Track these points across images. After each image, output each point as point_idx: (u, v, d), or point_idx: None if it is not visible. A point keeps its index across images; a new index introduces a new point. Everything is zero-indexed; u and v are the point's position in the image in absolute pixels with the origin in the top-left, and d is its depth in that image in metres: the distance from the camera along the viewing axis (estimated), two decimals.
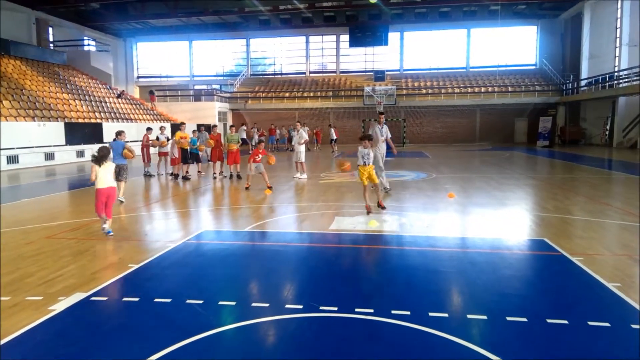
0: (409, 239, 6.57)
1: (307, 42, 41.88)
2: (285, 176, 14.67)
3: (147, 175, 15.10)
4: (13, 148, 18.90)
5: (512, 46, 38.93)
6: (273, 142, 31.88)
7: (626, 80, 26.75)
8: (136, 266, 5.31)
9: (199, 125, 20.80)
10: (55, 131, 21.41)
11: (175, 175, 14.25)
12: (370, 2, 30.85)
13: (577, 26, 33.19)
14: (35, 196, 11.33)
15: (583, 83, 31.97)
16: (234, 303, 4.20)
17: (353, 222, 7.64)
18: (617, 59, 29.56)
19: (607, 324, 3.66)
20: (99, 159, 6.82)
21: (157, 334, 3.55)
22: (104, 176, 6.82)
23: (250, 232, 7.14)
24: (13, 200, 10.73)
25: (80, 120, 24.44)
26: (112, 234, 6.80)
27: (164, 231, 7.41)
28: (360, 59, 41.67)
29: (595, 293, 4.43)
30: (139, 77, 43.75)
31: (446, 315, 3.87)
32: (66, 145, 21.79)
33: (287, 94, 39.28)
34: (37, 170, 18.15)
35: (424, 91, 37.47)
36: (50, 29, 34.13)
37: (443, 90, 37.09)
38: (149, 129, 15.86)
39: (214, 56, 43.36)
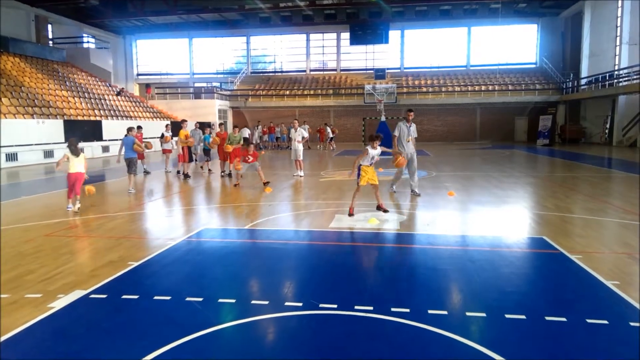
0: (409, 237, 6.57)
1: (308, 39, 41.82)
2: (286, 175, 14.67)
3: (145, 173, 15.07)
4: (12, 145, 18.89)
5: (513, 44, 38.89)
6: (273, 140, 31.88)
7: (626, 78, 26.74)
8: (136, 264, 5.31)
9: (200, 123, 20.73)
10: (54, 129, 21.40)
11: (185, 175, 14.07)
12: (371, 0, 30.79)
13: (578, 25, 33.16)
14: (34, 194, 11.33)
15: (583, 82, 31.96)
16: (233, 300, 4.20)
17: (353, 220, 7.64)
18: (617, 57, 29.55)
19: (606, 322, 3.66)
20: (76, 150, 8.68)
21: (157, 332, 3.55)
22: (76, 164, 8.56)
23: (250, 230, 7.14)
24: (12, 197, 10.72)
25: (79, 118, 24.44)
26: (71, 208, 8.48)
27: (164, 229, 7.41)
28: (360, 57, 41.63)
29: (594, 291, 4.43)
30: (138, 74, 43.70)
31: (445, 312, 3.88)
32: (65, 142, 21.74)
33: (288, 92, 39.25)
34: (36, 168, 18.15)
35: (424, 89, 37.44)
36: (50, 26, 34.10)
37: (443, 89, 37.07)
38: (139, 127, 15.70)
39: (214, 54, 43.31)
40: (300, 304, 4.07)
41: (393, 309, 3.91)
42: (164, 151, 15.57)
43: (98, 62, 35.69)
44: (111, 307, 4.07)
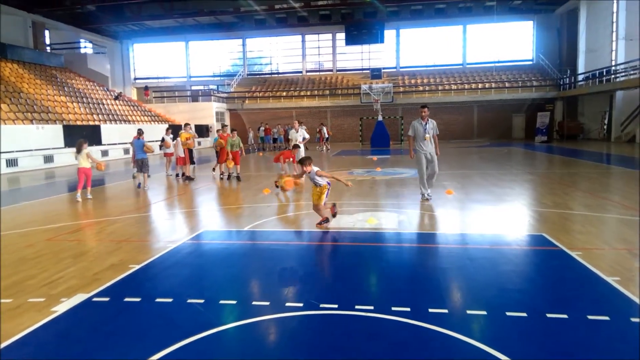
0: (408, 236, 6.59)
1: (303, 40, 41.88)
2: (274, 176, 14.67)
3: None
4: (12, 151, 18.90)
5: (509, 42, 39.01)
6: (269, 141, 31.92)
7: (623, 74, 26.81)
8: (137, 267, 5.33)
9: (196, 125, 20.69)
10: (53, 134, 21.41)
11: (187, 177, 14.05)
12: (365, 0, 30.85)
13: (574, 21, 33.25)
14: (35, 199, 11.34)
15: (580, 78, 32.04)
16: (234, 302, 4.22)
17: (352, 219, 7.66)
18: (613, 52, 29.64)
19: (607, 318, 3.69)
20: (79, 150, 10.51)
21: (159, 334, 3.57)
22: (82, 161, 10.44)
23: (250, 232, 7.16)
24: (13, 203, 10.73)
25: (78, 123, 24.44)
26: (79, 198, 10.33)
27: (165, 231, 7.43)
28: (356, 57, 41.70)
29: (594, 287, 4.46)
30: (136, 78, 43.72)
31: (446, 311, 3.90)
32: (65, 147, 21.79)
33: (284, 93, 39.30)
34: (37, 173, 18.15)
35: (420, 88, 37.52)
36: (47, 32, 34.13)
37: (440, 87, 37.15)
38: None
39: (210, 56, 43.36)
40: (301, 305, 4.09)
41: (394, 308, 3.93)
42: (166, 155, 15.58)
43: (95, 67, 35.71)
44: (114, 310, 4.09)
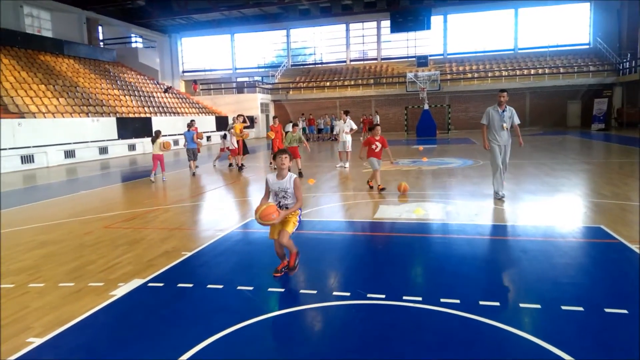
0: (456, 227, 6.45)
1: (347, 29, 41.54)
2: (328, 166, 14.71)
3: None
4: (70, 143, 19.94)
5: (564, 25, 37.07)
6: (313, 131, 32.02)
7: None
8: (189, 254, 5.51)
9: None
10: (108, 126, 22.41)
11: (240, 167, 14.42)
12: None
13: (635, 2, 31.13)
14: (91, 188, 11.93)
15: None
16: (282, 290, 4.29)
17: (398, 210, 7.58)
18: None
19: None
20: (155, 139, 12.40)
21: (211, 318, 3.68)
22: (156, 148, 12.31)
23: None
24: (71, 192, 11.34)
25: (130, 115, 25.42)
26: (152, 178, 12.36)
27: (214, 220, 7.62)
28: (402, 45, 40.95)
29: None
30: (184, 71, 44.91)
31: (498, 304, 3.79)
32: (118, 139, 22.78)
33: (328, 83, 39.22)
34: (92, 164, 19.08)
35: (469, 75, 36.42)
36: (100, 28, 35.58)
37: (490, 74, 35.90)
38: (192, 122, 16.20)
39: (255, 48, 43.85)
40: (348, 294, 4.10)
41: (442, 300, 3.86)
42: (221, 149, 15.99)
43: (146, 60, 36.97)
44: (168, 295, 4.25)
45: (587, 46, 36.92)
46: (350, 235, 6.49)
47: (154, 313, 3.86)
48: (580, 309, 3.64)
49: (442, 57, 39.68)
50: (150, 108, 28.47)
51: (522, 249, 5.27)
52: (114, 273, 4.92)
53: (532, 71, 35.09)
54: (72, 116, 21.31)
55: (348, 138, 14.09)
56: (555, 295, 3.93)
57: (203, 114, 32.97)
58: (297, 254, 4.68)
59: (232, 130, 14.80)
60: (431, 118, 29.38)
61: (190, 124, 14.00)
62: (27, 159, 17.76)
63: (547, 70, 34.69)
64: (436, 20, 38.32)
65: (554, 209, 7.42)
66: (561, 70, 34.42)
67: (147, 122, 25.56)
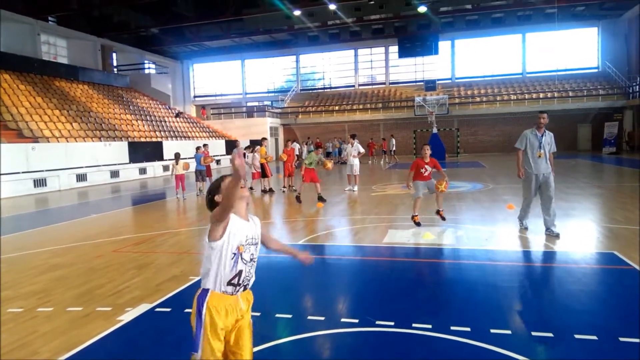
0: (467, 253, 6.38)
1: (356, 55, 42.10)
2: (337, 189, 14.71)
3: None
4: (82, 167, 20.20)
5: (572, 49, 37.24)
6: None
7: None
8: (196, 278, 5.49)
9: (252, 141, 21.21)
10: (119, 150, 22.70)
11: (267, 190, 14.59)
12: (419, 13, 30.63)
13: None
14: (102, 212, 12.03)
15: None
16: (290, 316, 4.25)
17: (407, 234, 7.53)
18: None
19: None
20: (176, 160, 13.83)
21: None
22: (179, 169, 13.67)
23: (303, 245, 7.20)
24: (83, 216, 11.44)
25: (142, 139, 25.76)
26: (179, 196, 13.62)
27: None
28: (410, 70, 41.34)
29: None
30: (195, 96, 45.63)
31: (509, 332, 3.72)
32: (130, 163, 23.02)
33: (337, 107, 39.56)
34: (104, 188, 19.27)
35: (477, 99, 36.54)
36: (114, 54, 36.43)
37: (498, 98, 35.99)
38: (205, 145, 16.43)
39: (265, 73, 44.53)
40: (357, 321, 4.05)
41: (453, 328, 3.80)
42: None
43: (158, 86, 37.66)
44: (175, 320, 4.23)
45: (596, 70, 36.98)
46: (359, 260, 6.44)
47: (161, 339, 3.84)
48: (594, 337, 3.56)
49: (450, 81, 39.94)
50: (162, 132, 28.86)
51: (534, 275, 5.19)
52: (122, 297, 4.92)
53: (541, 95, 35.13)
54: (84, 140, 21.65)
55: (356, 162, 14.15)
56: (568, 323, 3.85)
57: (213, 138, 33.32)
58: None
59: (256, 153, 15.00)
60: (440, 142, 29.39)
61: (198, 148, 14.96)
62: (40, 182, 18.01)
63: (556, 94, 34.71)
64: (444, 45, 38.73)
65: (566, 234, 7.32)
66: (570, 93, 34.42)
67: (159, 146, 25.87)
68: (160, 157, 25.37)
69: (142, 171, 23.88)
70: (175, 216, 10.98)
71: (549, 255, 6.06)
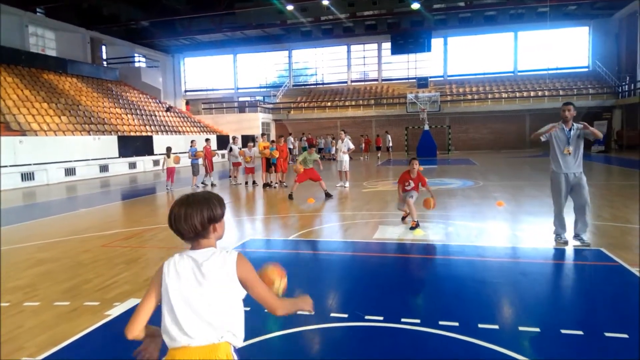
0: (456, 249, 6.41)
1: (349, 51, 42.06)
2: (329, 185, 14.71)
3: (205, 185, 15.50)
4: (70, 161, 19.99)
5: (563, 48, 37.53)
6: None
7: None
8: None
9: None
10: (109, 144, 22.50)
11: (265, 185, 14.68)
12: (412, 9, 30.65)
13: (633, 25, 31.60)
14: (91, 206, 11.92)
15: None
16: None
17: (397, 231, 7.55)
18: None
19: None
20: (168, 153, 14.46)
21: None
22: (170, 162, 14.33)
23: (294, 241, 7.20)
24: (71, 210, 11.32)
25: (132, 134, 25.55)
26: (169, 187, 14.33)
27: None
28: (402, 67, 41.41)
29: None
30: (186, 91, 45.32)
31: (497, 327, 3.75)
32: (119, 157, 22.84)
33: (329, 104, 39.53)
34: (93, 182, 19.10)
35: (469, 97, 36.72)
36: (104, 47, 36.05)
37: (490, 96, 36.19)
38: (207, 140, 16.44)
39: (257, 68, 44.36)
40: (346, 316, 4.05)
41: (441, 322, 3.82)
42: (234, 164, 16.06)
43: (149, 80, 37.32)
44: None
45: (587, 69, 37.31)
46: (349, 255, 6.45)
47: None
48: (580, 332, 3.60)
49: (442, 78, 40.08)
50: (152, 127, 28.64)
51: (521, 271, 5.23)
52: (110, 292, 4.88)
53: (532, 93, 35.38)
54: (73, 134, 21.42)
55: (345, 158, 14.14)
56: (555, 318, 3.89)
57: (204, 133, 33.14)
58: None
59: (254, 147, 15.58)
60: (431, 139, 29.50)
61: (193, 142, 15.77)
62: (28, 176, 17.79)
63: (546, 93, 34.97)
64: (436, 42, 38.83)
65: (552, 231, 7.38)
66: (560, 92, 34.69)
67: (149, 140, 25.67)
68: (150, 151, 25.17)
69: (132, 165, 23.69)
70: (165, 211, 10.90)
71: (536, 252, 6.11)
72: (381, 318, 3.96)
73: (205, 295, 1.80)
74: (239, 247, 6.81)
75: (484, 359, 3.25)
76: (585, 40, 37.15)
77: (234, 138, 16.51)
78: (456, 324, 3.79)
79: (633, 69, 31.61)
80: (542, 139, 6.44)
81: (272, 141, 15.50)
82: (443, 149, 32.71)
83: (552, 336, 3.56)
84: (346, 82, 42.61)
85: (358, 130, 35.35)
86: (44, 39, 30.73)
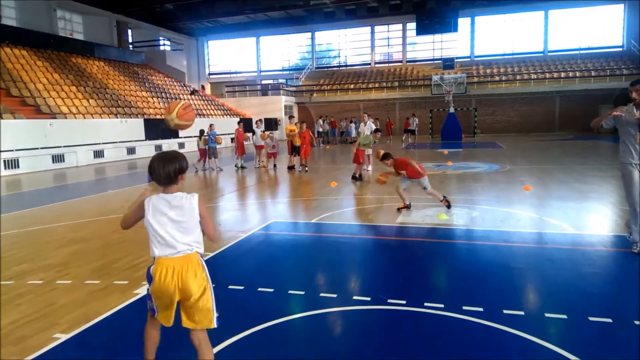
0: (481, 233, 6.33)
1: (372, 32, 41.44)
2: (350, 169, 14.65)
3: (240, 167, 15.69)
4: (99, 143, 20.44)
5: (596, 27, 36.10)
6: (334, 134, 31.99)
7: None
8: (211, 254, 5.56)
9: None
10: (135, 127, 22.88)
11: (289, 167, 14.72)
12: None
13: None
14: (119, 188, 12.19)
15: None
16: (302, 292, 4.28)
17: (421, 215, 7.50)
18: None
19: None
20: (200, 135, 15.64)
21: (232, 319, 3.70)
22: (201, 143, 15.58)
23: (317, 224, 7.23)
24: (100, 192, 11.62)
25: (158, 117, 25.89)
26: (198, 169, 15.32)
27: (236, 221, 7.69)
28: (427, 47, 40.61)
29: None
30: (210, 73, 45.54)
31: (522, 313, 3.70)
32: (145, 140, 23.22)
33: (352, 86, 39.17)
34: (121, 164, 19.51)
35: (496, 78, 35.82)
36: (130, 31, 36.38)
37: (518, 77, 35.24)
38: (240, 123, 16.60)
39: (280, 50, 44.17)
40: (369, 299, 4.07)
41: (465, 307, 3.79)
42: (257, 147, 16.17)
43: (173, 63, 37.61)
44: None
45: (621, 48, 35.86)
46: (372, 239, 6.44)
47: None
48: (609, 320, 3.53)
49: (469, 59, 39.16)
50: None
51: (548, 257, 5.14)
52: (138, 271, 5.01)
53: (563, 74, 34.27)
54: (101, 117, 21.85)
55: None
56: (583, 305, 3.82)
57: (228, 116, 33.35)
58: None
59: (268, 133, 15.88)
60: (457, 121, 28.98)
61: (211, 125, 16.05)
62: (58, 158, 18.29)
63: (577, 74, 33.82)
64: (463, 22, 37.84)
65: (583, 217, 7.22)
66: (592, 73, 33.50)
67: None
68: (176, 134, 25.49)
69: (158, 148, 24.06)
70: (191, 191, 11.07)
71: (563, 237, 5.98)
72: (404, 302, 3.96)
73: (178, 221, 2.65)
74: (263, 229, 6.87)
75: (508, 344, 3.23)
76: (620, 18, 35.63)
77: (257, 121, 16.54)
78: (480, 309, 3.76)
79: None
80: (605, 125, 5.41)
81: (296, 123, 15.52)
82: (469, 132, 32.14)
83: (579, 323, 3.50)
84: (370, 64, 42.07)
85: (381, 113, 34.99)
86: (71, 22, 31.21)
